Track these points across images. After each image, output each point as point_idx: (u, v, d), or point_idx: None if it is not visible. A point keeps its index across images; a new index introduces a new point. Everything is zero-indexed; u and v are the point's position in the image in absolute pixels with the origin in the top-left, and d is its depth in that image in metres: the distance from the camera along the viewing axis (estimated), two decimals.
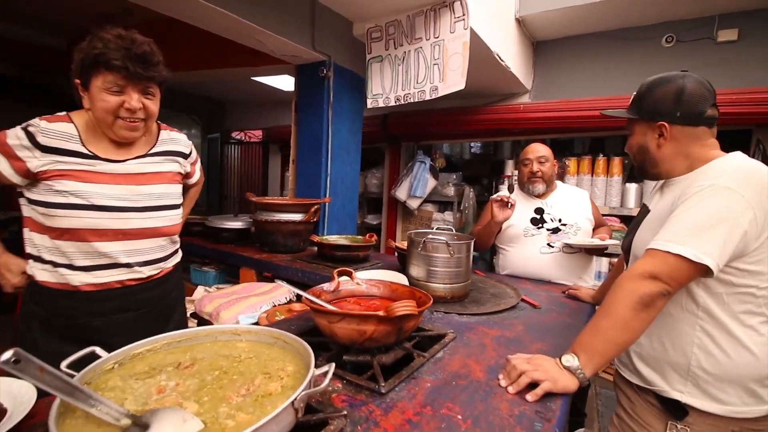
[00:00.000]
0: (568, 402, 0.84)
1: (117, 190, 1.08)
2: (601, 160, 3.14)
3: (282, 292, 1.74)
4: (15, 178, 1.01)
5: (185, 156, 1.28)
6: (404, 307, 0.87)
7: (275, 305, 1.63)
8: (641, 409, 1.03)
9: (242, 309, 1.68)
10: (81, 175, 1.03)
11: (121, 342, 0.73)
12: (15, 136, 0.99)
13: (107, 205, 1.05)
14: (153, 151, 1.18)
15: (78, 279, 1.06)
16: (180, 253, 1.33)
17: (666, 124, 1.02)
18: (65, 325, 1.08)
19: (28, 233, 1.07)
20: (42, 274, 1.06)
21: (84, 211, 1.03)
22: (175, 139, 1.26)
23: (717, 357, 0.92)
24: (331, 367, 0.66)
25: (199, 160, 1.40)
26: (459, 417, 0.73)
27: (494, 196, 1.88)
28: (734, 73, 2.56)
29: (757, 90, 2.38)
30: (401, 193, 3.95)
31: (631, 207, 3.01)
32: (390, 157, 4.31)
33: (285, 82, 3.90)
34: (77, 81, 1.04)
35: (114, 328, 1.11)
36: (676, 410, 0.96)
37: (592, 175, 3.18)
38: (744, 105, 2.39)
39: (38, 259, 1.06)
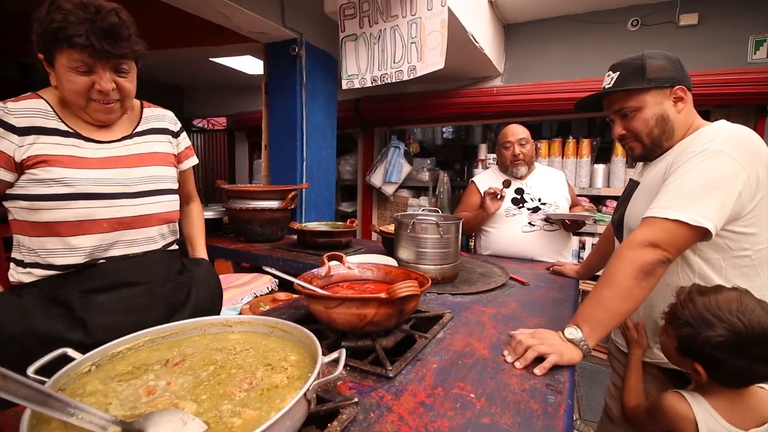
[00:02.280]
0: (574, 374, 0.84)
1: (107, 174, 0.94)
2: (570, 143, 3.22)
3: (263, 281, 1.66)
4: (8, 176, 0.87)
5: (174, 134, 1.14)
6: (407, 288, 0.83)
7: (257, 296, 1.55)
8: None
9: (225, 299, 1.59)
10: (66, 160, 0.90)
11: (105, 327, 0.63)
12: None
13: (97, 192, 0.92)
14: (138, 130, 1.05)
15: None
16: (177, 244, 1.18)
17: (685, 88, 1.02)
18: (61, 310, 0.91)
19: (15, 238, 0.94)
20: (27, 277, 0.93)
21: (73, 201, 0.89)
22: (160, 115, 1.12)
23: None
24: (341, 354, 0.61)
25: (190, 145, 1.22)
26: (472, 395, 0.71)
27: (486, 188, 1.93)
28: (695, 56, 2.68)
29: (716, 72, 2.50)
30: (376, 179, 3.90)
31: (599, 187, 3.12)
32: (363, 143, 4.23)
33: (249, 65, 3.71)
34: (40, 56, 0.89)
35: (122, 305, 0.96)
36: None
37: (562, 157, 3.26)
38: (703, 87, 2.51)
39: (28, 265, 0.92)
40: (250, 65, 3.68)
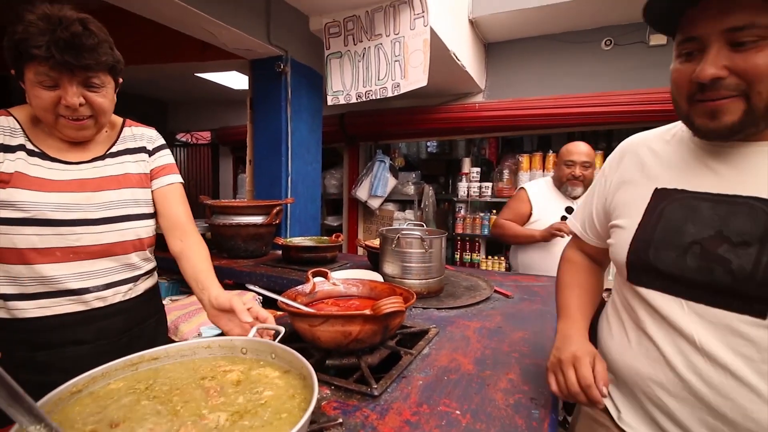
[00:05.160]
0: None
1: (66, 199, 0.88)
2: (550, 156, 3.31)
3: (246, 299, 1.63)
4: None
5: (149, 153, 1.05)
6: (391, 304, 0.83)
7: None
8: None
9: (204, 320, 1.56)
10: (26, 181, 0.85)
11: (43, 387, 0.55)
12: None
13: (53, 218, 0.86)
14: (113, 150, 0.99)
15: (17, 308, 0.87)
16: (155, 274, 1.11)
17: None
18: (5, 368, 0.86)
19: None
20: None
21: (26, 227, 0.84)
22: (139, 134, 1.05)
23: None
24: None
25: (172, 163, 1.09)
26: (458, 412, 0.71)
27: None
28: (663, 74, 2.79)
29: None
30: (362, 193, 3.91)
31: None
32: (349, 157, 4.26)
33: (234, 80, 3.71)
34: (12, 71, 0.85)
35: (64, 364, 0.89)
36: None
37: (543, 171, 3.34)
38: (669, 103, 2.62)
39: None
40: (235, 80, 3.69)
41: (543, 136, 3.86)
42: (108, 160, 0.97)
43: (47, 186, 0.87)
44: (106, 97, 0.89)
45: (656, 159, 0.72)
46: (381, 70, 2.24)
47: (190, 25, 1.98)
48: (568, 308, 0.85)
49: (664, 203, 0.68)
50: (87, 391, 0.58)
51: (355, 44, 2.29)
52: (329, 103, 2.37)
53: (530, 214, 2.03)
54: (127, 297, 1.00)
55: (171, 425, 0.52)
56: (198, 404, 0.57)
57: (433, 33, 2.18)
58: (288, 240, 2.09)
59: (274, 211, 2.06)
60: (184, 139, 5.37)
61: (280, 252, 2.08)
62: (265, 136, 2.48)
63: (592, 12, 2.83)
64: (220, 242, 2.09)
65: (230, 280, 1.89)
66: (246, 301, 0.86)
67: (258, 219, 2.04)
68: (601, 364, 0.69)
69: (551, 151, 3.35)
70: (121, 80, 0.95)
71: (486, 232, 3.58)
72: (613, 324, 0.80)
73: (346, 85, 2.34)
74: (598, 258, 0.93)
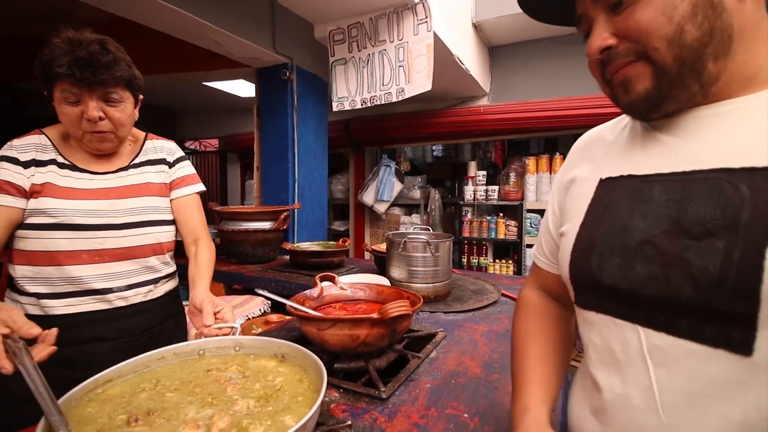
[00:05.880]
0: (566, 390, 0.84)
1: (93, 206, 0.96)
2: (557, 158, 3.30)
3: (255, 304, 1.65)
4: (21, 203, 0.92)
5: (169, 164, 1.13)
6: (398, 308, 0.83)
7: (249, 318, 1.54)
8: None
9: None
10: (55, 191, 0.94)
11: (67, 380, 0.60)
12: None
13: (80, 223, 0.94)
14: (135, 162, 1.07)
15: (48, 306, 0.94)
16: (176, 278, 1.18)
17: None
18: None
19: (12, 269, 0.96)
20: (13, 305, 0.95)
21: (55, 231, 0.92)
22: (159, 147, 1.13)
23: None
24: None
25: (191, 174, 1.16)
26: (465, 415, 0.71)
27: None
28: None
29: None
30: (368, 197, 3.93)
31: None
32: (355, 162, 4.28)
33: (241, 88, 3.77)
34: (45, 93, 0.94)
35: (88, 359, 0.95)
36: None
37: (550, 173, 3.33)
38: None
39: (17, 292, 0.96)
40: (242, 88, 3.74)
41: (550, 138, 3.85)
42: (131, 171, 1.06)
43: (75, 194, 0.95)
44: (123, 111, 0.97)
45: (606, 148, 0.58)
46: (385, 75, 2.26)
47: (197, 36, 2.03)
48: (524, 376, 0.61)
49: (610, 196, 0.52)
50: (94, 393, 0.60)
51: (359, 51, 2.31)
52: (334, 109, 2.39)
53: None
54: (147, 298, 1.06)
55: (209, 411, 0.56)
56: (222, 393, 0.61)
57: (436, 38, 2.20)
58: (295, 245, 2.11)
59: (282, 216, 2.08)
60: (192, 147, 5.44)
61: (287, 257, 2.10)
62: (272, 143, 2.51)
63: None
64: (229, 248, 2.12)
65: (239, 285, 1.91)
66: (219, 304, 0.89)
67: (266, 224, 2.06)
68: None
69: (558, 153, 3.34)
70: (141, 96, 1.03)
71: (493, 235, 3.57)
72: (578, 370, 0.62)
73: (351, 91, 2.36)
74: (563, 295, 0.64)
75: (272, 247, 2.14)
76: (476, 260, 3.69)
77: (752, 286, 0.37)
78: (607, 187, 0.53)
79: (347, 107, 2.38)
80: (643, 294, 0.45)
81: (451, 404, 0.75)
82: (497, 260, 3.65)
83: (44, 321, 0.89)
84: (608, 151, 0.57)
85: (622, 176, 0.52)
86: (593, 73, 0.54)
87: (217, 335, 0.80)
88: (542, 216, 3.36)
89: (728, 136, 0.44)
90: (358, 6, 2.18)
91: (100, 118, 0.92)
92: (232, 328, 0.82)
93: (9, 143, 0.95)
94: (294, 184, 2.46)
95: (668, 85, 0.46)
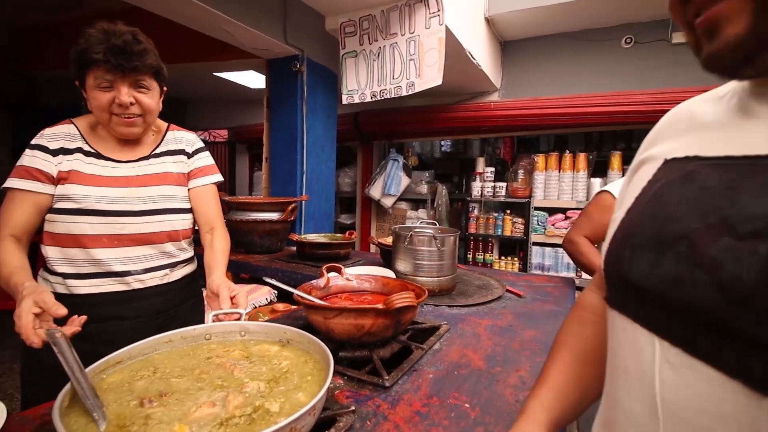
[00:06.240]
0: None
1: (114, 193, 1.01)
2: (567, 156, 3.27)
3: (262, 293, 1.68)
4: (50, 189, 0.98)
5: (188, 155, 1.17)
6: (403, 299, 0.85)
7: (256, 307, 1.56)
8: None
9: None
10: (80, 177, 0.99)
11: (88, 354, 0.64)
12: (29, 156, 0.98)
13: (101, 209, 1.00)
14: (156, 151, 1.12)
15: (73, 285, 1.01)
16: (194, 263, 1.23)
17: None
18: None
19: (44, 249, 1.02)
20: (43, 283, 1.02)
21: (79, 216, 0.98)
22: (179, 137, 1.18)
23: None
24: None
25: (210, 164, 1.20)
26: (467, 405, 0.72)
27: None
28: (688, 72, 2.74)
29: (706, 88, 2.56)
30: (375, 191, 3.94)
31: None
32: (363, 156, 4.29)
33: (251, 79, 3.78)
34: (76, 82, 1.00)
35: (108, 336, 1.00)
36: None
37: (559, 171, 3.30)
38: None
39: (47, 271, 1.03)
40: (252, 79, 3.75)
41: (560, 135, 3.82)
42: (152, 160, 1.10)
43: (98, 181, 1.01)
44: (152, 99, 1.03)
45: (690, 123, 0.46)
46: (396, 69, 2.25)
47: (209, 26, 2.04)
48: (542, 378, 0.57)
49: (664, 179, 0.43)
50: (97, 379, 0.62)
51: (370, 43, 2.31)
52: (344, 101, 2.39)
53: None
54: (163, 281, 1.11)
55: (221, 393, 0.57)
56: (231, 376, 0.62)
57: (448, 32, 2.18)
58: (302, 236, 2.12)
59: (290, 208, 2.10)
60: (202, 137, 5.45)
61: (294, 248, 2.12)
62: (281, 135, 2.53)
63: (612, 9, 2.78)
64: (236, 237, 2.14)
65: (246, 274, 1.94)
66: (235, 289, 0.94)
67: (274, 215, 2.08)
68: None
69: (567, 151, 3.31)
70: (165, 88, 1.09)
71: (500, 232, 3.56)
72: None
73: (360, 84, 2.36)
74: None
75: (279, 238, 2.16)
76: (482, 256, 3.69)
77: None
78: (667, 169, 0.44)
79: (357, 100, 2.38)
80: (666, 297, 0.37)
81: (453, 394, 0.76)
82: (503, 257, 3.64)
83: (70, 300, 0.97)
84: (690, 126, 0.45)
85: (687, 157, 0.42)
86: (673, 14, 0.42)
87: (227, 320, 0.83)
88: (550, 214, 3.35)
89: None
90: None
91: (131, 104, 0.98)
92: (238, 313, 0.85)
93: (41, 132, 1.01)
94: (302, 176, 2.47)
95: (762, 37, 0.34)
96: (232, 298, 0.91)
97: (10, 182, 0.96)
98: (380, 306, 0.85)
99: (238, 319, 0.82)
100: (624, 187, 0.55)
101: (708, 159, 0.40)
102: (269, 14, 2.16)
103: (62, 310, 0.72)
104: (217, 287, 0.93)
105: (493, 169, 3.68)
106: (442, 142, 4.64)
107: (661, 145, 0.49)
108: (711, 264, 0.33)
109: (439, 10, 2.08)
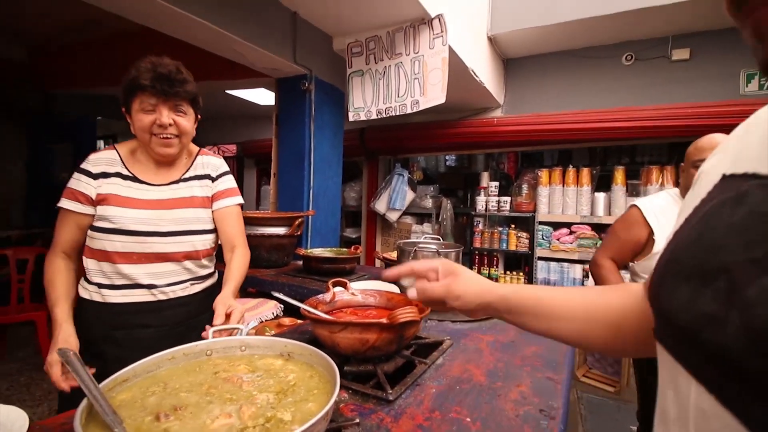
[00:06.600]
0: (568, 401, 0.86)
1: (146, 215, 1.12)
2: (571, 171, 3.29)
3: (268, 307, 1.70)
4: (90, 210, 1.10)
5: (212, 179, 1.27)
6: (407, 314, 0.87)
7: (263, 321, 1.59)
8: None
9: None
10: (117, 200, 1.10)
11: (118, 359, 0.70)
12: (75, 179, 1.11)
13: (134, 229, 1.11)
14: (186, 176, 1.23)
15: (107, 295, 1.13)
16: (215, 277, 1.32)
17: None
18: (92, 340, 1.09)
19: (84, 260, 1.15)
20: (83, 291, 1.15)
21: (114, 235, 1.10)
22: (207, 163, 1.28)
23: None
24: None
25: (232, 187, 1.29)
26: (468, 419, 0.74)
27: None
28: (688, 89, 2.78)
29: (709, 105, 2.60)
30: (380, 205, 3.98)
31: (600, 215, 3.16)
32: (368, 171, 4.35)
33: (261, 96, 3.88)
34: (123, 109, 1.13)
35: (133, 343, 1.11)
36: None
37: (563, 185, 3.32)
38: (697, 119, 2.61)
39: (86, 280, 1.15)
40: (262, 96, 3.85)
41: (563, 150, 3.85)
42: (181, 184, 1.21)
43: (132, 203, 1.12)
44: (189, 122, 1.16)
45: (765, 132, 0.38)
46: (401, 87, 2.31)
47: (221, 47, 2.12)
48: (529, 286, 0.64)
49: (717, 199, 0.37)
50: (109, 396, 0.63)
51: (376, 63, 2.38)
52: (350, 118, 2.46)
53: (649, 240, 1.49)
54: (185, 293, 1.21)
55: (234, 407, 0.59)
56: (239, 390, 0.65)
57: (451, 51, 2.25)
58: (309, 251, 2.16)
59: (296, 222, 2.14)
60: (211, 152, 5.60)
61: (300, 262, 2.16)
62: (289, 151, 2.59)
63: (613, 28, 2.84)
64: None
65: (253, 288, 1.97)
66: (231, 306, 1.02)
67: (281, 230, 2.12)
68: None
69: (571, 166, 3.33)
70: (200, 116, 1.21)
71: (504, 246, 3.57)
72: None
73: (366, 102, 2.43)
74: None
75: (286, 252, 2.20)
76: (487, 271, 3.69)
77: None
78: (723, 186, 0.38)
79: (363, 117, 2.44)
80: (701, 337, 0.33)
81: (454, 408, 0.78)
82: (508, 272, 3.64)
83: (104, 308, 1.12)
84: (762, 138, 0.38)
85: (746, 174, 0.36)
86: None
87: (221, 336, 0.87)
88: (554, 228, 3.36)
89: None
90: (377, 20, 2.26)
91: (170, 124, 1.10)
92: (235, 329, 0.90)
93: (87, 157, 1.14)
94: (309, 192, 2.52)
95: None
96: (228, 315, 0.99)
97: (61, 202, 1.10)
98: (384, 320, 0.88)
99: (232, 334, 0.86)
100: (687, 200, 0.47)
101: (766, 178, 0.34)
102: (279, 35, 2.24)
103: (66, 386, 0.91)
104: (215, 305, 1.03)
105: (497, 183, 3.71)
106: (447, 157, 4.69)
107: (726, 155, 0.42)
108: (744, 305, 0.29)
109: (442, 32, 2.15)
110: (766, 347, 0.27)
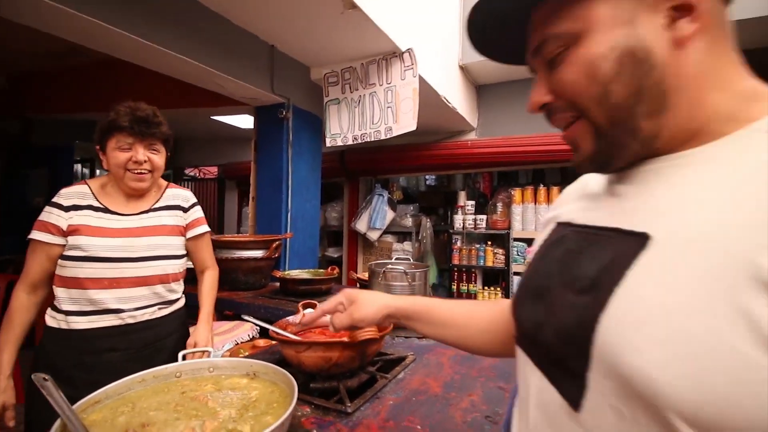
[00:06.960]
0: (512, 406, 0.94)
1: (116, 243, 1.19)
2: (542, 190, 3.46)
3: (244, 329, 1.75)
4: (61, 241, 1.15)
5: (184, 210, 1.38)
6: (366, 333, 0.95)
7: (238, 343, 1.63)
8: None
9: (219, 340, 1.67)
10: (88, 230, 1.17)
11: (89, 384, 0.74)
12: (47, 212, 1.17)
13: (105, 256, 1.17)
14: (155, 206, 1.31)
15: (74, 321, 1.16)
16: (182, 301, 1.39)
17: None
18: (61, 367, 1.13)
19: (54, 289, 1.19)
20: (50, 320, 1.18)
21: (85, 263, 1.16)
22: (176, 194, 1.38)
23: None
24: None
25: (201, 217, 1.44)
26: (419, 427, 0.81)
27: None
28: None
29: None
30: (361, 225, 4.06)
31: None
32: (349, 191, 4.44)
33: (243, 121, 3.97)
34: (97, 147, 1.23)
35: (102, 367, 1.15)
36: None
37: (535, 204, 3.48)
38: None
39: (54, 309, 1.19)
40: (243, 120, 3.94)
41: (538, 170, 4.03)
42: (150, 214, 1.29)
43: (104, 233, 1.19)
44: (161, 159, 1.27)
45: (583, 191, 0.55)
46: (375, 115, 2.44)
47: (201, 79, 2.22)
48: (421, 299, 0.80)
49: (549, 240, 0.54)
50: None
51: (351, 92, 2.51)
52: (327, 144, 2.57)
53: None
54: (153, 316, 1.26)
55: (198, 422, 0.66)
56: (205, 407, 0.71)
57: (423, 81, 2.40)
58: (286, 272, 2.22)
59: (274, 245, 2.20)
60: (192, 174, 5.63)
61: (278, 284, 2.21)
62: (268, 175, 2.67)
63: None
64: (221, 275, 2.21)
65: (230, 311, 2.01)
66: (200, 334, 1.26)
67: (258, 253, 2.18)
68: None
69: (542, 185, 3.50)
70: (169, 154, 1.32)
71: (482, 263, 3.68)
72: None
73: (343, 129, 2.54)
74: None
75: (264, 275, 2.25)
76: (466, 287, 3.78)
77: (585, 347, 0.38)
78: (557, 230, 0.54)
79: (340, 143, 2.55)
80: (536, 338, 0.48)
81: (408, 418, 0.85)
82: (486, 287, 3.74)
83: (73, 334, 1.16)
84: (580, 195, 0.55)
85: (568, 223, 0.52)
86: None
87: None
88: (529, 245, 3.49)
89: (650, 195, 0.42)
90: (351, 53, 2.40)
91: (144, 161, 1.20)
92: (204, 351, 1.00)
93: (59, 192, 1.21)
94: (287, 214, 2.60)
95: (607, 145, 0.44)
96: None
97: (32, 234, 1.15)
98: (346, 339, 0.95)
99: (202, 357, 0.93)
100: (538, 239, 0.63)
101: (575, 226, 0.50)
102: (258, 68, 2.35)
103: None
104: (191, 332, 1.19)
105: (473, 202, 3.85)
106: (427, 177, 4.84)
107: (562, 207, 0.58)
108: (555, 314, 0.44)
109: (412, 64, 2.30)
110: (569, 342, 0.41)
